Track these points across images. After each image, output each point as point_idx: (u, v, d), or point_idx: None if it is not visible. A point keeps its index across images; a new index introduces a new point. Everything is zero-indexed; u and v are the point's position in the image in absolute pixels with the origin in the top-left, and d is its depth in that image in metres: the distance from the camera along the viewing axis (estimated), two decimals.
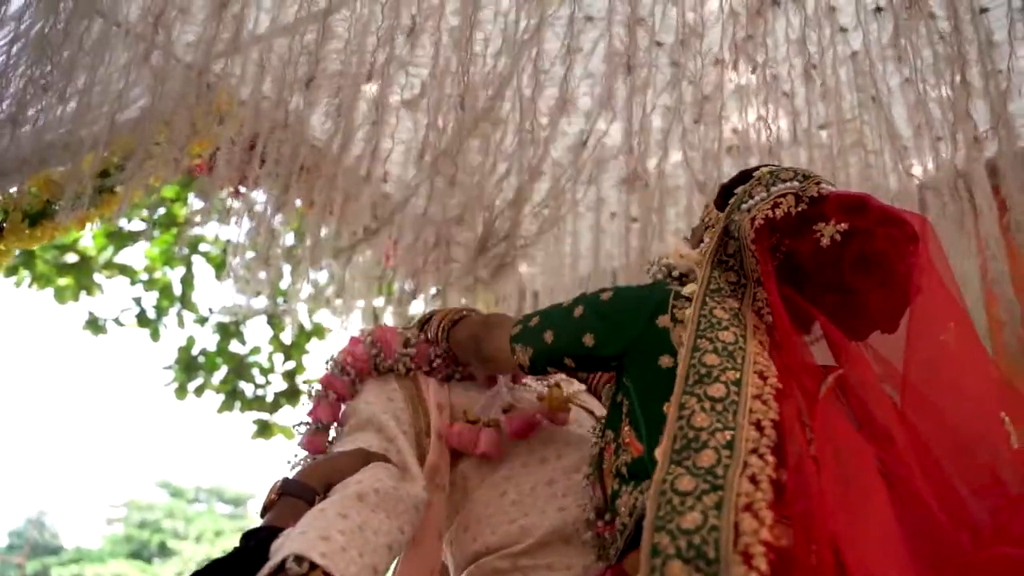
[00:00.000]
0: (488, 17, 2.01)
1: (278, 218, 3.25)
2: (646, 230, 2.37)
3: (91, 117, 1.88)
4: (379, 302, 3.71)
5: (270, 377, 5.36)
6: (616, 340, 1.22)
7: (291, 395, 5.39)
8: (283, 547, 0.95)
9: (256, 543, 1.01)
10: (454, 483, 1.41)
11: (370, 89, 2.14)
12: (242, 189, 2.39)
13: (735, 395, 0.99)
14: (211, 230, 5.17)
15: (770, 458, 0.90)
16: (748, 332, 1.10)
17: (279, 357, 5.44)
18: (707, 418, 0.95)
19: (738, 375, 1.01)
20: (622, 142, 2.10)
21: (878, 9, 2.02)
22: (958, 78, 1.99)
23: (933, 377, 1.11)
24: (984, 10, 2.00)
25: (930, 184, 2.45)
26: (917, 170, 2.51)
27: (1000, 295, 2.29)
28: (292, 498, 1.13)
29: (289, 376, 5.46)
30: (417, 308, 3.38)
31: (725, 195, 1.31)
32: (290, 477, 1.19)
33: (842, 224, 1.12)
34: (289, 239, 3.57)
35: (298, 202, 2.69)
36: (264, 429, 5.12)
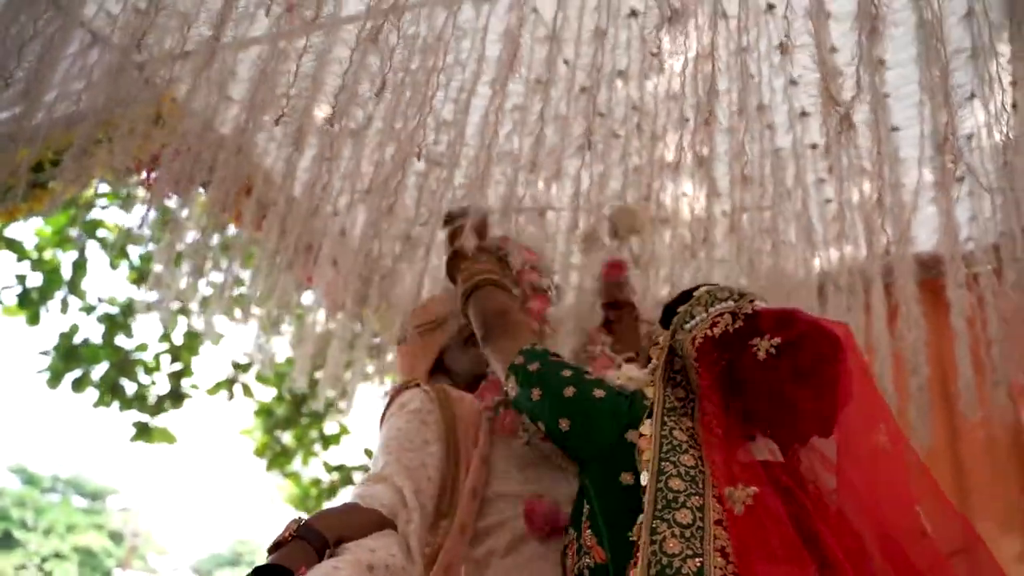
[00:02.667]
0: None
1: (185, 212, 3.15)
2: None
3: (31, 108, 1.80)
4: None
5: (155, 377, 5.15)
6: (585, 445, 1.31)
7: (175, 398, 5.19)
8: None
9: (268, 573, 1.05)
10: (476, 560, 1.45)
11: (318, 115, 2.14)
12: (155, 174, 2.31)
13: (700, 521, 1.09)
14: (112, 215, 4.93)
15: None
16: (703, 451, 1.19)
17: (167, 357, 5.23)
18: (678, 544, 1.05)
19: (701, 501, 1.11)
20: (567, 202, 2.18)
21: (803, 114, 2.17)
22: (867, 187, 2.15)
23: (868, 475, 1.20)
24: (896, 129, 2.18)
25: (830, 279, 2.62)
26: (817, 263, 2.68)
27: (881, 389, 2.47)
28: (305, 543, 1.15)
29: (175, 378, 5.25)
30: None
31: (668, 314, 1.42)
32: (305, 521, 1.21)
33: (776, 338, 1.21)
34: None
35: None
36: (144, 431, 4.90)
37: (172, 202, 2.56)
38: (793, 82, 2.11)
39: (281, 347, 5.46)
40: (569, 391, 1.33)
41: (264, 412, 5.55)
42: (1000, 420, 2.50)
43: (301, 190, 2.50)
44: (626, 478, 1.21)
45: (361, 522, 1.26)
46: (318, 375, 5.22)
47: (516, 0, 1.66)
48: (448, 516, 1.42)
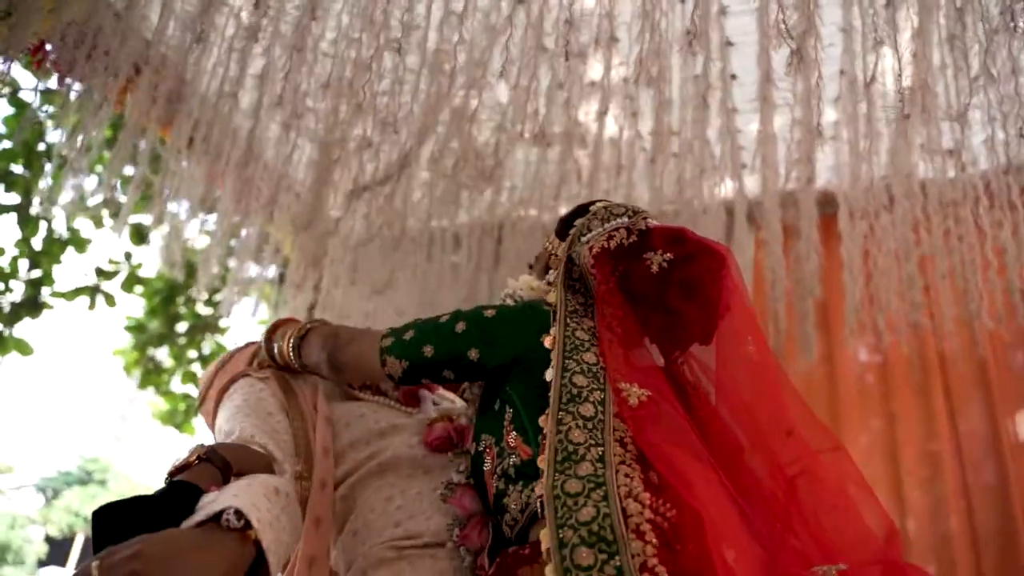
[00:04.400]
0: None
1: (46, 108, 2.89)
2: None
3: None
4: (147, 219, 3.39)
5: (11, 284, 4.74)
6: (503, 352, 1.34)
7: (33, 307, 4.81)
8: (219, 501, 0.96)
9: (177, 491, 1.02)
10: (344, 496, 1.45)
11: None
12: (68, 82, 2.11)
13: (601, 414, 1.18)
14: None
15: (636, 466, 1.11)
16: (603, 348, 1.28)
17: (24, 263, 4.83)
18: (582, 434, 1.13)
19: (602, 395, 1.21)
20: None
21: (729, 43, 2.22)
22: (779, 121, 2.24)
23: (740, 380, 1.34)
24: None
25: (728, 206, 2.74)
26: (717, 190, 2.79)
27: (770, 310, 2.63)
28: (211, 466, 1.13)
29: (34, 285, 4.86)
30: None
31: (565, 226, 1.51)
32: (210, 447, 1.18)
33: (668, 254, 1.32)
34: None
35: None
36: None
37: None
38: (723, 12, 2.15)
39: (149, 258, 5.18)
40: (460, 326, 1.36)
41: (136, 328, 5.27)
42: (876, 348, 2.73)
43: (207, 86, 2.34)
44: (549, 374, 1.26)
45: (258, 462, 1.26)
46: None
47: None
48: (306, 477, 1.41)
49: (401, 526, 1.37)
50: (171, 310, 5.16)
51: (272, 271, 3.98)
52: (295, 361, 1.56)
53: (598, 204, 1.49)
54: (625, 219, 1.42)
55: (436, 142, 2.57)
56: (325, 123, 2.53)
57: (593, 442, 1.12)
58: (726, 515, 1.05)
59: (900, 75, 1.94)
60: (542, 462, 1.12)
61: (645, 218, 1.42)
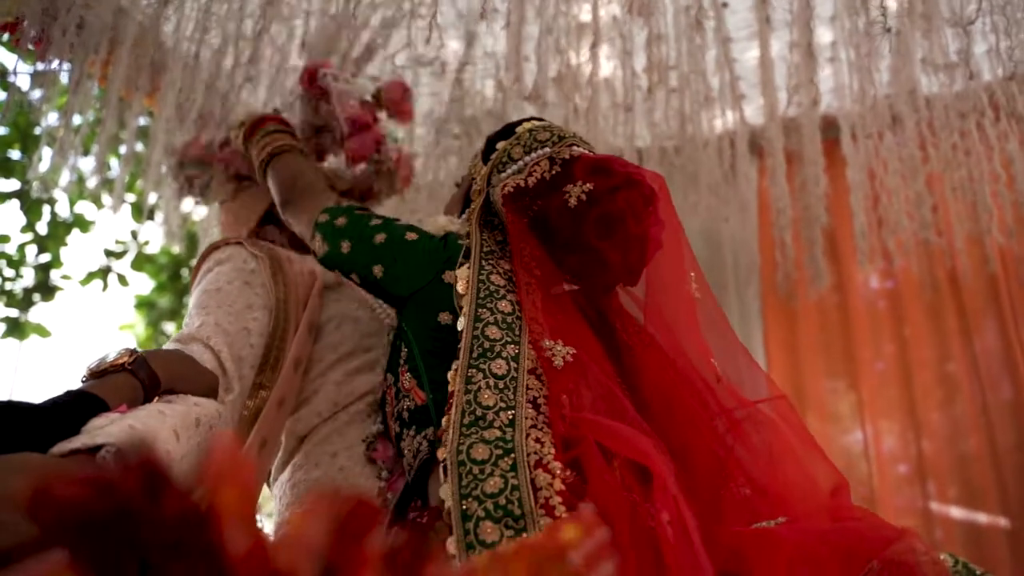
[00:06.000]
0: None
1: (37, 93, 2.85)
2: None
3: None
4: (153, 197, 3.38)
5: (22, 270, 4.76)
6: (402, 284, 1.26)
7: (46, 290, 4.84)
8: (104, 431, 0.83)
9: (74, 403, 0.87)
10: (296, 421, 1.41)
11: None
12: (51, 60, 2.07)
13: (515, 372, 1.07)
14: None
15: (547, 430, 1.01)
16: (520, 295, 1.16)
17: (32, 249, 4.84)
18: (492, 396, 1.03)
19: (517, 350, 1.10)
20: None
21: None
22: (776, 46, 2.18)
23: (674, 323, 1.22)
24: None
25: (730, 137, 2.69)
26: (717, 123, 2.74)
27: (777, 240, 2.59)
28: (134, 379, 0.99)
29: (43, 270, 4.88)
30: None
31: (489, 148, 1.38)
32: (140, 355, 1.02)
33: (588, 185, 1.19)
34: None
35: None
36: (16, 327, 4.57)
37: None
38: None
39: (155, 235, 5.18)
40: (380, 237, 1.29)
41: (145, 304, 5.30)
42: (887, 272, 2.70)
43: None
44: (444, 318, 1.18)
45: (196, 380, 1.14)
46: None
47: None
48: (267, 388, 1.32)
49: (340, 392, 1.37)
50: (178, 285, 5.19)
51: None
52: (259, 176, 1.55)
53: (525, 125, 1.35)
54: (548, 148, 1.28)
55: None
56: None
57: (504, 405, 1.02)
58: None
59: None
60: (447, 423, 1.02)
61: (571, 145, 1.29)
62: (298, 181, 1.49)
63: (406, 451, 1.15)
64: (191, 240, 4.35)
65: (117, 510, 0.38)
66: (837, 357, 2.94)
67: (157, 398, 1.03)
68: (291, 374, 1.36)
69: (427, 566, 0.44)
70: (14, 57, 2.18)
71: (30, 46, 2.23)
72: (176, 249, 3.30)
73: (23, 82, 2.52)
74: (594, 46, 2.29)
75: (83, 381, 0.97)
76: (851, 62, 2.25)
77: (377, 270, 1.27)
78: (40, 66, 2.24)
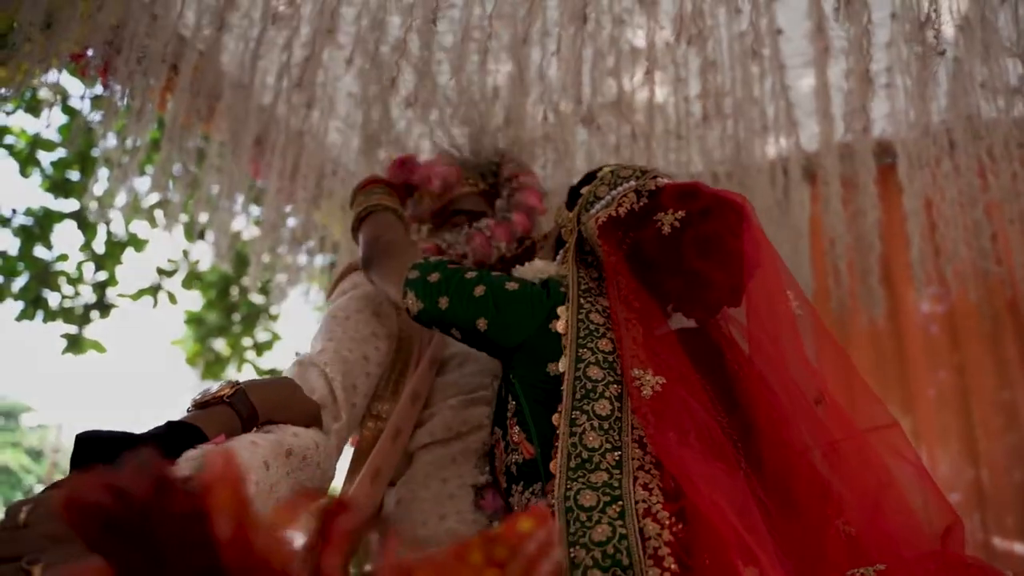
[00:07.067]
0: None
1: (96, 115, 2.93)
2: None
3: None
4: (204, 217, 3.45)
5: (79, 288, 4.90)
6: (511, 334, 1.25)
7: (102, 308, 4.97)
8: (194, 461, 0.87)
9: (173, 433, 0.91)
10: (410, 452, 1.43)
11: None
12: (112, 86, 2.14)
13: (618, 412, 1.08)
14: (18, 120, 4.55)
15: (655, 472, 1.01)
16: (620, 332, 1.16)
17: (90, 267, 4.98)
18: (597, 438, 1.04)
19: (619, 389, 1.10)
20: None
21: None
22: (830, 73, 2.17)
23: (778, 341, 1.19)
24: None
25: (783, 164, 2.67)
26: (770, 149, 2.72)
27: (831, 267, 2.57)
28: (232, 411, 1.03)
29: (100, 287, 5.02)
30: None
31: (573, 196, 1.40)
32: (240, 387, 1.07)
33: (679, 212, 1.21)
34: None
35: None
36: (74, 343, 4.70)
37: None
38: None
39: (205, 254, 5.29)
40: (479, 290, 1.28)
41: (194, 320, 5.41)
42: (944, 299, 2.65)
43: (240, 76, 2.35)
44: (553, 368, 1.17)
45: (297, 409, 1.17)
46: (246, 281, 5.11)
47: None
48: (383, 418, 1.35)
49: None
50: (226, 302, 5.29)
51: (322, 259, 4.03)
52: (352, 235, 1.54)
53: (604, 169, 1.39)
54: (633, 182, 1.31)
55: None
56: (362, 106, 2.53)
57: (609, 446, 1.03)
58: (746, 525, 0.93)
59: (956, 10, 1.85)
60: (554, 467, 1.03)
61: (655, 177, 1.30)
62: (380, 238, 1.48)
63: (515, 507, 1.16)
64: (239, 259, 4.45)
65: (132, 510, 0.45)
66: (891, 384, 2.89)
67: (256, 428, 1.06)
68: (408, 406, 1.37)
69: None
70: (78, 84, 2.26)
71: (93, 72, 2.31)
72: (225, 267, 3.39)
73: (84, 106, 2.61)
74: (648, 72, 2.30)
75: (187, 411, 1.01)
76: (907, 88, 2.22)
77: (481, 323, 1.25)
78: (100, 90, 2.32)
